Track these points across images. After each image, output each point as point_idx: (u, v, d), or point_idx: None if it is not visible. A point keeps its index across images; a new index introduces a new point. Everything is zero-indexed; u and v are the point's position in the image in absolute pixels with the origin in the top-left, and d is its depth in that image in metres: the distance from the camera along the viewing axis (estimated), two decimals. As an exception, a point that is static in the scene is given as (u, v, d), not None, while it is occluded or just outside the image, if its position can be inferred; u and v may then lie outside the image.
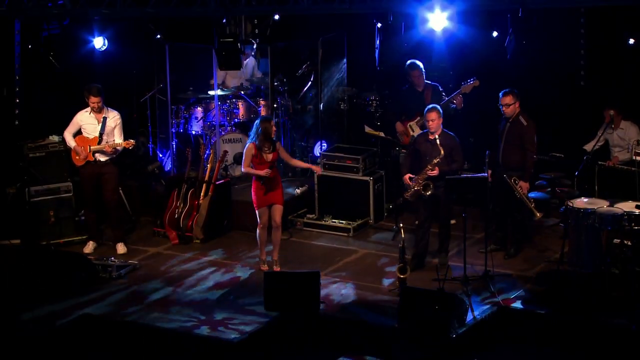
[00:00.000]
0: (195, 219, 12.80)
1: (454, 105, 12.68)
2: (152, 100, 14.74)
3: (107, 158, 12.26)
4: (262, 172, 11.43)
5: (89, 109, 12.23)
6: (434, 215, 11.66)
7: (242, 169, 11.75)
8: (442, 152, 11.35)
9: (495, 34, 13.04)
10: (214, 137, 14.07)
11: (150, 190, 13.88)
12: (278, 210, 11.61)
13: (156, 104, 14.75)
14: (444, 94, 12.83)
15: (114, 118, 12.29)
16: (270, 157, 11.51)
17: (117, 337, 10.23)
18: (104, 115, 12.20)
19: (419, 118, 12.67)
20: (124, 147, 12.28)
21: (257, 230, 11.71)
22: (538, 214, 11.39)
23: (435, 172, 11.37)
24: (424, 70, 12.95)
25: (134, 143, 12.39)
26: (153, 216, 13.27)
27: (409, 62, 13.02)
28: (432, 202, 11.53)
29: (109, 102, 12.40)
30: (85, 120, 12.26)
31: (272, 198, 11.56)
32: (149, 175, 14.15)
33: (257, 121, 11.72)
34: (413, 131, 12.79)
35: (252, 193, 11.64)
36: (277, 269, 11.67)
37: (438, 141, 11.38)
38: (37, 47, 13.59)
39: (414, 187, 11.47)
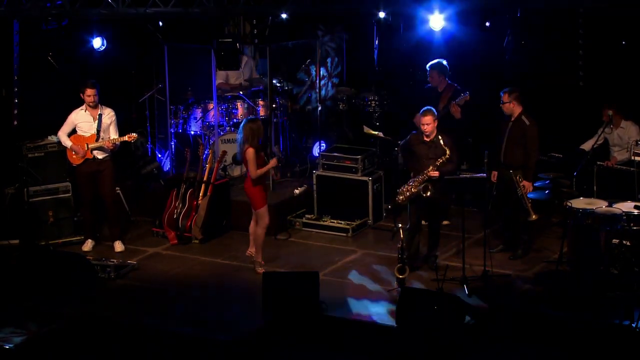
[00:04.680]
0: (194, 219, 12.80)
1: (463, 95, 12.48)
2: (150, 101, 14.75)
3: (105, 155, 12.23)
4: (272, 162, 11.52)
5: (84, 106, 12.20)
6: (425, 218, 11.55)
7: (256, 173, 11.38)
8: (448, 152, 11.16)
9: (487, 24, 13.00)
10: (213, 137, 14.07)
11: (148, 190, 13.87)
12: None
13: (155, 104, 14.76)
14: (463, 94, 12.51)
15: (109, 115, 12.25)
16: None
17: (116, 337, 10.22)
18: (99, 112, 12.19)
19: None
20: (125, 141, 12.23)
21: (263, 231, 11.62)
22: (534, 215, 11.36)
23: (437, 174, 11.21)
24: (444, 71, 12.58)
25: (136, 136, 12.30)
26: (152, 216, 13.27)
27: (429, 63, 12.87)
28: (425, 205, 11.38)
29: (108, 102, 12.39)
30: (81, 119, 12.22)
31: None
32: (147, 176, 14.14)
33: None
34: None
35: (257, 194, 11.52)
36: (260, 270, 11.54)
37: (442, 141, 11.16)
38: (35, 48, 13.58)
39: (411, 189, 11.33)
